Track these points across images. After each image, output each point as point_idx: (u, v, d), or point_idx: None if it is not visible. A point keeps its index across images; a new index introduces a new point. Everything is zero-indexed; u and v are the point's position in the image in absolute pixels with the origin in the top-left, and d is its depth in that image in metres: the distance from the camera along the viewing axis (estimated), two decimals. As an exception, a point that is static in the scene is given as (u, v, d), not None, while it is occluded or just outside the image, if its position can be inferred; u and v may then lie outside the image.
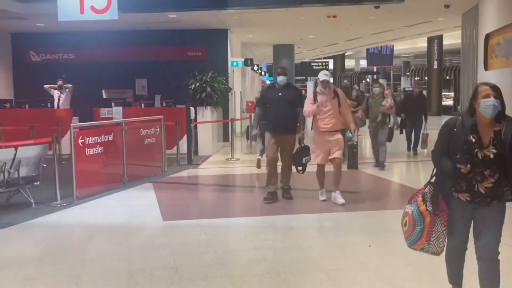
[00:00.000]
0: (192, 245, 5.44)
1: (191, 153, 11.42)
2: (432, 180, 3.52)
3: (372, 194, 8.17)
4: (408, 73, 43.01)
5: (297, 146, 7.41)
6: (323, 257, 5.07)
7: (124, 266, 4.80)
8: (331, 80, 7.29)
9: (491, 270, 3.42)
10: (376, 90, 10.22)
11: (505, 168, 3.30)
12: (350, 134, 7.89)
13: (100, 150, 8.22)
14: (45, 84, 13.46)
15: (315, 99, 7.14)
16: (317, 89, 7.22)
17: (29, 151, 7.27)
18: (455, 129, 3.40)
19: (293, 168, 7.50)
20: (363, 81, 43.10)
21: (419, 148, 12.23)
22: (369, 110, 10.14)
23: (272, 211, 6.86)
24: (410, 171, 11.35)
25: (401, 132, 12.35)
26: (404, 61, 44.83)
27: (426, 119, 12.30)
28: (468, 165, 3.27)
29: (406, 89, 33.79)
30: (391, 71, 47.78)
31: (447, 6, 11.57)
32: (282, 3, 7.87)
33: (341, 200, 7.05)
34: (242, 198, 8.35)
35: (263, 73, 33.40)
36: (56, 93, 13.24)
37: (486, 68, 9.85)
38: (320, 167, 7.32)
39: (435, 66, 28.96)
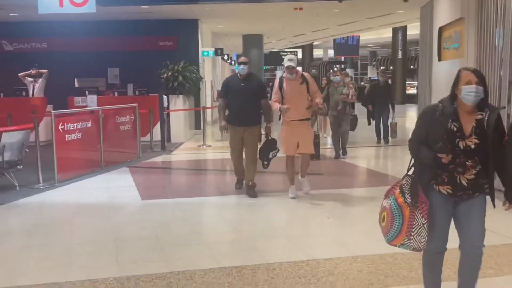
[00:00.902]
0: (170, 220, 6.04)
1: (164, 140, 11.92)
2: (410, 172, 3.35)
3: (334, 175, 8.87)
4: (374, 63, 44.05)
5: (264, 139, 7.18)
6: (286, 227, 5.72)
7: (109, 236, 5.36)
8: (297, 65, 7.12)
9: (475, 263, 3.32)
10: (337, 78, 10.29)
11: (487, 159, 3.15)
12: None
13: (79, 136, 8.68)
14: (19, 73, 13.70)
15: (281, 87, 6.80)
16: (284, 75, 6.90)
17: (12, 137, 7.70)
18: (435, 117, 3.21)
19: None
20: (331, 71, 43.93)
21: (389, 138, 12.11)
22: (329, 99, 10.10)
23: (242, 191, 7.37)
24: (376, 157, 11.64)
25: (369, 123, 12.31)
26: (370, 51, 45.86)
27: (393, 108, 12.30)
28: (450, 155, 3.12)
29: (372, 78, 34.80)
30: (359, 61, 48.81)
31: (405, 0, 12.31)
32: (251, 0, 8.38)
33: (306, 188, 7.09)
34: (214, 180, 8.95)
35: (232, 62, 33.85)
36: (30, 82, 13.51)
37: (439, 59, 10.63)
38: (289, 158, 6.97)
39: (400, 56, 29.99)
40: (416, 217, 3.21)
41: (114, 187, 7.95)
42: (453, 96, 3.23)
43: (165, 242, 5.17)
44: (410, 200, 3.21)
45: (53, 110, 12.17)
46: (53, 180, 7.93)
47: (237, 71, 7.43)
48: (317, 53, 46.35)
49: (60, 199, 7.22)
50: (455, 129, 3.17)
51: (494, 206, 3.29)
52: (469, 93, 3.13)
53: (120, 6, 10.53)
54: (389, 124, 12.17)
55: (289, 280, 4.12)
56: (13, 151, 7.73)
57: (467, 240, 3.28)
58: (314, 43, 38.51)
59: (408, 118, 18.83)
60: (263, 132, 7.23)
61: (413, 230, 3.21)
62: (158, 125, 12.05)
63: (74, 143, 8.58)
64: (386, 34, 31.39)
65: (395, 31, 29.17)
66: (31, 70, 13.40)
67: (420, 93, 13.76)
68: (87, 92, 13.24)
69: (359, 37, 32.96)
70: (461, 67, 3.33)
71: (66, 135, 8.36)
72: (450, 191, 3.21)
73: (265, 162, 7.10)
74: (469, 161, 3.15)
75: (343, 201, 6.93)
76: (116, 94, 13.57)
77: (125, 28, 15.21)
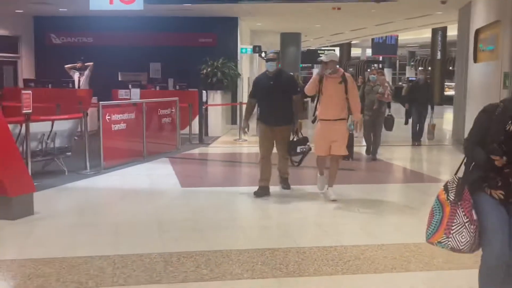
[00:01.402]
0: (207, 205, 6.46)
1: (202, 133, 12.39)
2: (460, 172, 3.15)
3: (366, 171, 9.15)
4: (412, 63, 43.69)
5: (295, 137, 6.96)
6: (316, 216, 6.07)
7: (152, 218, 5.81)
8: (337, 62, 6.70)
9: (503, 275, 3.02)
10: (373, 77, 10.08)
11: None
12: (352, 127, 6.75)
13: (124, 127, 9.20)
14: (65, 65, 14.38)
15: (320, 81, 6.55)
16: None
17: (63, 125, 8.26)
18: (494, 116, 2.99)
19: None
20: (369, 70, 43.81)
21: (424, 139, 11.88)
22: (365, 98, 9.78)
23: (275, 182, 7.36)
24: (410, 156, 11.40)
25: (406, 123, 12.06)
26: (409, 51, 45.47)
27: (432, 108, 12.02)
28: (504, 158, 2.89)
29: (410, 78, 34.56)
30: (397, 61, 48.45)
31: (443, 2, 12.39)
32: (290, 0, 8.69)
33: (333, 196, 6.61)
34: (248, 172, 9.32)
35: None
36: (76, 74, 14.17)
37: (475, 61, 10.73)
38: (320, 158, 6.84)
39: (439, 57, 29.78)
40: (457, 214, 3.01)
41: (156, 175, 8.42)
42: None
43: (204, 225, 5.58)
44: (453, 198, 3.03)
45: (98, 101, 12.94)
46: (99, 166, 8.44)
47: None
48: (355, 52, 46.24)
49: (105, 184, 7.73)
50: None
51: None
52: None
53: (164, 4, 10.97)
54: (426, 125, 11.98)
55: (318, 263, 4.46)
56: (63, 138, 8.29)
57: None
58: (352, 42, 38.51)
59: (445, 120, 18.76)
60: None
61: (453, 227, 3.01)
62: (196, 119, 12.51)
63: (119, 133, 9.09)
64: (425, 35, 31.17)
65: (434, 31, 28.95)
66: (76, 63, 14.07)
67: (456, 94, 13.80)
68: (130, 86, 13.80)
69: (397, 37, 32.80)
70: None
71: (112, 125, 8.88)
72: (502, 196, 3.00)
73: (294, 158, 6.99)
74: None
75: (373, 194, 7.21)
76: (157, 88, 14.11)
77: (167, 24, 15.72)
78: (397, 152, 11.57)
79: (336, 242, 4.99)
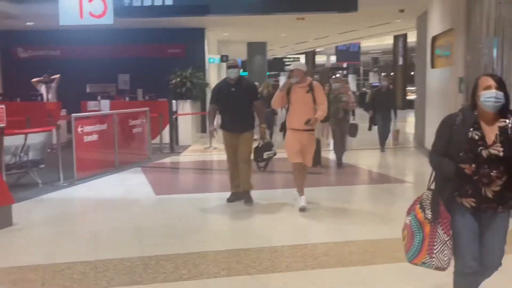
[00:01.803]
0: (182, 212, 6.72)
1: (173, 142, 12.61)
2: (432, 186, 3.19)
3: (333, 175, 9.55)
4: (375, 69, 44.73)
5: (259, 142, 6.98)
6: (287, 217, 6.39)
7: (129, 225, 6.03)
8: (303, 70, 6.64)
9: (483, 280, 3.26)
10: (336, 85, 10.11)
11: None
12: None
13: (96, 138, 9.36)
14: (32, 79, 14.39)
15: (288, 91, 6.51)
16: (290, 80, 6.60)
17: (36, 138, 8.38)
18: (455, 126, 3.07)
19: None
20: (333, 77, 44.66)
21: (389, 143, 11.86)
22: (330, 107, 9.02)
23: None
24: (376, 160, 11.75)
25: (369, 129, 12.10)
26: (372, 57, 46.52)
27: (396, 114, 12.14)
28: (473, 165, 2.97)
29: (373, 84, 35.41)
30: (361, 67, 49.49)
31: (402, 11, 13.00)
32: (256, 11, 9.05)
33: (302, 203, 6.52)
34: (219, 178, 9.59)
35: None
36: (43, 87, 14.19)
37: (432, 66, 11.29)
38: (296, 166, 6.65)
39: (400, 62, 30.68)
40: (438, 233, 3.06)
41: (130, 184, 8.61)
42: (473, 104, 3.09)
43: (180, 230, 5.83)
44: (430, 216, 3.07)
45: (66, 114, 13.02)
46: (72, 178, 8.58)
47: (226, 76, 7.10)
48: (320, 59, 47.02)
49: (80, 195, 7.90)
50: (476, 137, 3.03)
51: None
52: (488, 99, 3.01)
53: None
54: (391, 131, 12.01)
55: (289, 260, 4.78)
56: (36, 151, 8.42)
57: (484, 256, 3.15)
58: (317, 50, 39.23)
59: (408, 123, 19.43)
60: (256, 137, 7.17)
61: (435, 247, 3.06)
62: (167, 129, 12.72)
63: (91, 144, 9.25)
64: (387, 41, 32.06)
65: (396, 38, 29.81)
66: (42, 76, 14.09)
67: (417, 99, 14.39)
68: (99, 97, 13.92)
69: (360, 44, 33.62)
70: (480, 74, 3.23)
71: (84, 137, 9.04)
72: (474, 204, 3.06)
73: (261, 163, 6.91)
74: (494, 171, 2.99)
75: (340, 196, 7.59)
76: (127, 99, 14.26)
77: (136, 36, 15.88)
78: (363, 157, 11.92)
79: (307, 241, 5.32)
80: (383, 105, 11.84)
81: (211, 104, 7.16)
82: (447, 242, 3.08)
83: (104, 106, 13.13)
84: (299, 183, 6.69)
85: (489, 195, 3.03)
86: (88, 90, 15.82)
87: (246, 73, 30.22)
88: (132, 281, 4.28)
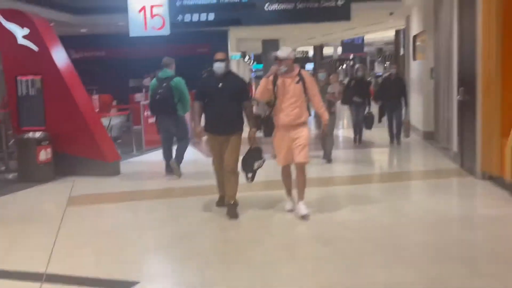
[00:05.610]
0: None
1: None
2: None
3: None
4: (379, 59, 47.37)
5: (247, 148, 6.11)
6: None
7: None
8: (293, 58, 5.96)
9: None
10: (322, 75, 9.38)
11: None
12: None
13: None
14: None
15: (274, 82, 5.78)
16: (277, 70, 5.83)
17: (116, 120, 11.48)
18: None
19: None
20: (341, 68, 47.46)
21: (402, 137, 11.15)
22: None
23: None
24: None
25: (379, 121, 11.37)
26: (377, 47, 49.12)
27: (406, 104, 11.42)
28: None
29: (377, 74, 38.03)
30: (367, 58, 52.11)
31: (391, 13, 15.88)
32: (272, 22, 11.84)
33: (304, 211, 5.81)
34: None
35: (250, 61, 37.38)
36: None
37: (414, 59, 14.21)
38: (284, 169, 6.08)
39: (402, 53, 33.28)
40: None
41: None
42: None
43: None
44: None
45: (117, 104, 16.03)
46: (141, 149, 11.64)
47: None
48: (328, 51, 49.68)
49: (150, 159, 10.91)
50: None
51: None
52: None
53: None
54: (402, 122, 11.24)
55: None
56: (116, 129, 11.50)
57: None
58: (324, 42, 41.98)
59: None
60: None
61: None
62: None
63: (153, 124, 12.26)
64: (390, 33, 34.64)
65: (397, 31, 32.43)
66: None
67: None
68: (144, 90, 16.94)
69: (363, 37, 36.36)
70: None
71: (148, 120, 12.07)
72: None
73: (249, 175, 6.05)
74: None
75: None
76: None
77: (170, 38, 18.56)
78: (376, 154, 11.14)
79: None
80: (393, 94, 11.05)
81: (196, 102, 6.15)
82: None
83: (146, 82, 16.05)
84: (288, 186, 6.16)
85: None
86: (131, 85, 18.90)
87: (260, 66, 33.12)
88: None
